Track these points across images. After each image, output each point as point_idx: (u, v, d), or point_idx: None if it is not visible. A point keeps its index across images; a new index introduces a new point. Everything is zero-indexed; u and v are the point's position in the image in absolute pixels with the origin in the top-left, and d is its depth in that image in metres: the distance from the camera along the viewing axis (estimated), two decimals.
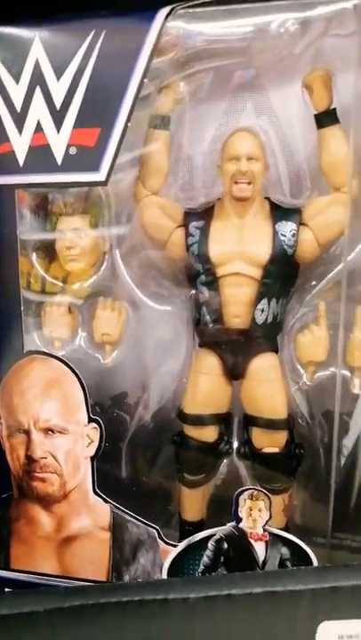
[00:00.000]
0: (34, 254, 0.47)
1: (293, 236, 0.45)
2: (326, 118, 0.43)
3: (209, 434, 0.49)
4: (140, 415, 0.51)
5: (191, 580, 0.44)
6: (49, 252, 0.48)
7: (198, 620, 0.39)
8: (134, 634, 0.39)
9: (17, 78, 0.42)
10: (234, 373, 0.48)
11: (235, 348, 0.47)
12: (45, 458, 0.47)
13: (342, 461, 0.49)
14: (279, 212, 0.46)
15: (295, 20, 0.40)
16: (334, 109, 0.43)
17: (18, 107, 0.42)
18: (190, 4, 0.41)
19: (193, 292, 0.47)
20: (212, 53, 0.43)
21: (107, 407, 0.50)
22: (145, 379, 0.51)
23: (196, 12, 0.41)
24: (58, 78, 0.41)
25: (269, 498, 0.46)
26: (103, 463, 0.48)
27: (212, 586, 0.40)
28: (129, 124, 0.41)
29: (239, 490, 0.46)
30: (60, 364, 0.46)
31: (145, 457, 0.52)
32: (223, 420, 0.50)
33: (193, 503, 0.51)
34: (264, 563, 0.45)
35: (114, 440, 0.49)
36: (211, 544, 0.46)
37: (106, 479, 0.48)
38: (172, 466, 0.51)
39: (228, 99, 0.47)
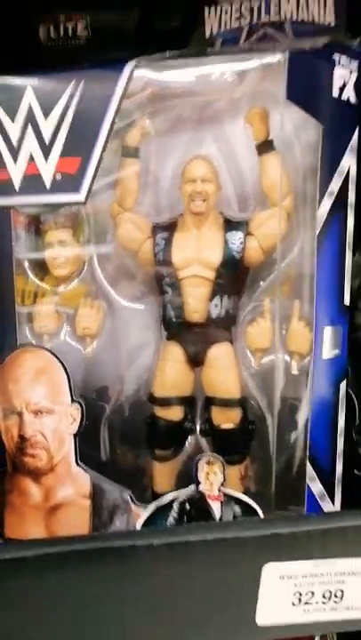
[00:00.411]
0: (27, 267, 0.56)
1: (241, 243, 0.54)
2: (264, 147, 0.53)
3: (175, 413, 0.57)
4: (116, 401, 0.59)
5: (156, 530, 0.52)
6: (41, 267, 0.56)
7: (162, 564, 0.46)
8: (107, 575, 0.46)
9: (12, 117, 0.51)
10: (195, 361, 0.56)
11: (195, 339, 0.56)
12: (35, 436, 0.53)
13: (292, 438, 0.57)
14: (229, 225, 0.55)
15: (233, 71, 0.50)
16: (271, 140, 0.53)
17: (14, 141, 0.51)
18: (152, 57, 0.50)
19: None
20: (169, 96, 0.52)
21: (88, 396, 0.57)
22: (121, 369, 0.59)
23: (157, 64, 0.51)
24: (46, 117, 0.50)
25: (223, 463, 0.53)
26: (85, 443, 0.56)
27: (173, 534, 0.47)
28: (103, 154, 0.50)
29: (198, 456, 0.54)
30: (49, 354, 0.53)
31: (121, 438, 0.59)
32: (187, 401, 0.57)
33: (163, 477, 0.58)
34: (220, 520, 0.53)
35: (94, 423, 0.57)
36: (175, 505, 0.54)
37: (87, 457, 0.56)
38: (145, 444, 0.59)
39: (190, 132, 0.56)
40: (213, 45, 0.61)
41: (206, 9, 0.62)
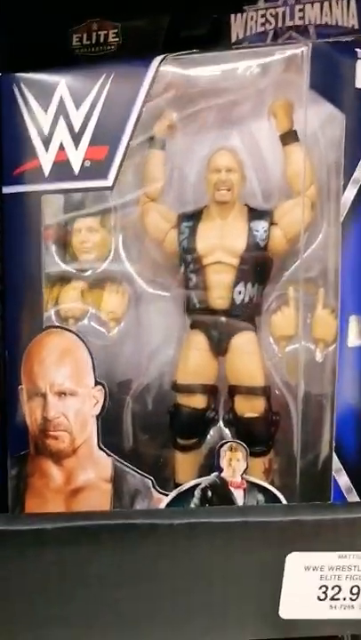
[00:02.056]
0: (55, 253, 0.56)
1: (265, 232, 0.53)
2: (288, 138, 0.52)
3: (198, 401, 0.55)
4: (140, 389, 0.58)
5: (177, 510, 0.49)
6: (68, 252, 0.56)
7: (181, 543, 0.44)
8: (128, 552, 0.44)
9: (45, 109, 0.52)
10: (219, 349, 0.55)
11: (219, 327, 0.54)
12: (58, 417, 0.53)
13: (318, 429, 0.55)
14: (254, 214, 0.54)
15: (257, 65, 0.50)
16: (295, 131, 0.52)
17: (45, 131, 0.52)
18: (178, 53, 0.51)
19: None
20: (196, 95, 0.53)
21: (111, 383, 0.56)
22: (145, 357, 0.58)
23: (183, 60, 0.51)
24: (77, 109, 0.52)
25: (246, 450, 0.51)
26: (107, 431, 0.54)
27: (193, 515, 0.45)
28: (130, 143, 0.51)
29: (221, 442, 0.52)
30: (73, 335, 0.53)
31: (144, 427, 0.58)
32: (210, 391, 0.56)
33: (186, 467, 0.56)
34: None
35: (116, 411, 0.56)
36: (197, 492, 0.52)
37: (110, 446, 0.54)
38: (168, 434, 0.57)
39: (216, 128, 0.56)
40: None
41: (232, 16, 0.63)
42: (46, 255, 0.55)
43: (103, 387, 0.53)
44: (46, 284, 0.54)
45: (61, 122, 0.52)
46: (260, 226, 0.53)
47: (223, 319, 0.54)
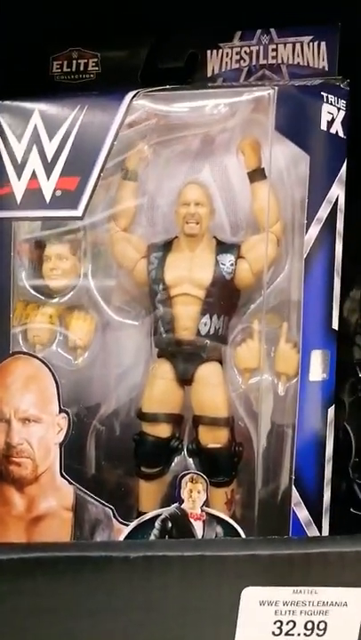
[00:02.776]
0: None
1: (231, 265, 0.54)
2: (256, 175, 0.53)
3: (163, 430, 0.55)
4: (105, 417, 0.58)
5: (133, 543, 0.49)
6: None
7: (137, 577, 0.44)
8: (83, 584, 0.44)
9: (19, 138, 0.52)
10: (185, 379, 0.55)
11: (185, 357, 0.55)
12: (22, 444, 0.52)
13: (278, 462, 0.55)
14: (221, 247, 0.55)
15: (225, 104, 0.52)
16: (262, 169, 0.53)
17: (19, 159, 0.52)
18: (151, 89, 0.52)
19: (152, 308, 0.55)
20: (169, 128, 0.54)
21: (77, 410, 0.56)
22: (111, 385, 0.58)
23: (155, 95, 0.52)
24: (50, 139, 0.52)
25: (207, 482, 0.51)
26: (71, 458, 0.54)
27: (150, 548, 0.45)
28: (101, 175, 0.52)
29: (182, 473, 0.52)
30: (39, 362, 0.53)
31: (108, 455, 0.58)
32: (175, 419, 0.56)
33: (149, 496, 0.56)
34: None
35: (81, 438, 0.56)
36: (157, 523, 0.51)
37: (73, 473, 0.54)
38: (133, 462, 0.57)
39: (188, 161, 0.57)
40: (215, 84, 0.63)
41: (208, 52, 0.64)
42: (18, 272, 0.54)
43: (67, 414, 0.53)
44: (19, 299, 0.54)
45: (34, 150, 0.52)
46: (227, 259, 0.54)
47: (189, 349, 0.55)
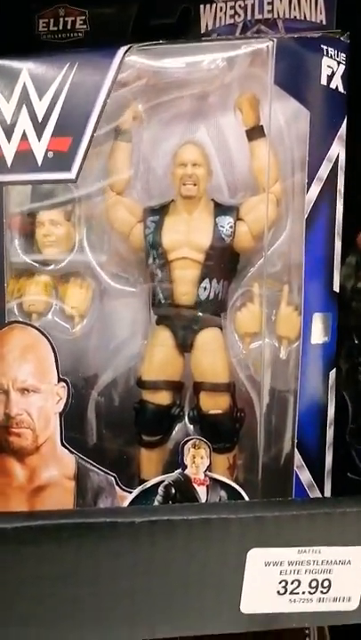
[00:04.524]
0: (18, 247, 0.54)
1: (231, 227, 0.52)
2: (254, 133, 0.51)
3: (163, 397, 0.55)
4: (104, 386, 0.57)
5: (138, 508, 0.49)
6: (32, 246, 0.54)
7: (142, 541, 0.44)
8: (88, 551, 0.44)
9: (8, 98, 0.50)
10: (184, 345, 0.54)
11: (184, 323, 0.54)
12: (21, 415, 0.51)
13: (280, 426, 0.55)
14: (220, 210, 0.53)
15: (223, 58, 0.49)
16: (261, 126, 0.51)
17: (8, 120, 0.50)
18: (144, 44, 0.50)
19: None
20: (163, 86, 0.51)
21: (76, 380, 0.55)
22: (110, 353, 0.57)
23: (149, 51, 0.50)
24: (40, 98, 0.50)
25: (209, 447, 0.51)
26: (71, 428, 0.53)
27: (154, 513, 0.45)
28: (95, 134, 0.49)
29: (184, 439, 0.51)
30: (36, 331, 0.52)
31: (108, 424, 0.57)
32: (176, 387, 0.55)
33: (150, 464, 0.56)
34: None
35: (81, 408, 0.55)
36: (160, 489, 0.51)
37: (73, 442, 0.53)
38: (133, 430, 0.56)
39: (184, 122, 0.55)
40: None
41: (202, 6, 0.61)
42: (10, 245, 0.53)
43: (66, 383, 0.52)
44: (11, 275, 0.52)
45: (24, 111, 0.50)
46: (226, 221, 0.53)
47: (188, 315, 0.53)
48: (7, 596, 0.44)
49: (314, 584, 0.47)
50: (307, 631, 0.64)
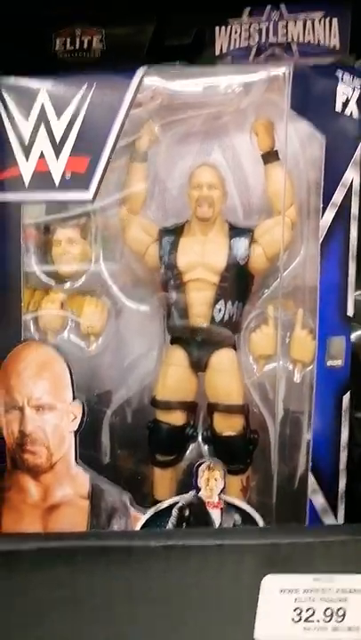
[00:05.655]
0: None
1: (246, 249, 0.52)
2: (270, 157, 0.51)
3: (177, 418, 0.53)
4: (119, 405, 0.56)
5: (153, 532, 0.48)
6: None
7: (157, 566, 0.43)
8: (102, 574, 0.42)
9: (26, 117, 0.49)
10: (199, 366, 0.53)
11: (199, 344, 0.53)
12: (36, 432, 0.50)
13: (294, 450, 0.53)
14: (235, 231, 0.52)
15: (239, 83, 0.49)
16: (276, 150, 0.50)
17: (26, 139, 0.49)
18: (162, 65, 0.49)
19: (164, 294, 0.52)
20: (178, 107, 0.51)
21: (90, 398, 0.54)
22: (124, 372, 0.56)
23: (166, 73, 0.49)
24: (58, 118, 0.49)
25: (224, 469, 0.50)
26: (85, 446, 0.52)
27: (169, 537, 0.43)
28: (112, 156, 0.49)
29: (198, 462, 0.50)
30: (52, 349, 0.51)
31: (122, 443, 0.56)
32: (189, 407, 0.54)
33: (164, 484, 0.54)
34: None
35: (95, 427, 0.54)
36: (174, 511, 0.50)
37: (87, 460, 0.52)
38: (147, 450, 0.55)
39: (198, 142, 0.54)
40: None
41: (217, 28, 0.61)
42: (26, 256, 0.52)
43: (81, 402, 0.51)
44: (26, 285, 0.51)
45: (42, 130, 0.49)
46: (241, 243, 0.52)
47: (203, 336, 0.52)
48: (21, 619, 0.43)
49: (328, 612, 0.46)
50: None
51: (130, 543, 0.42)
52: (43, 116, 0.49)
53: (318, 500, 0.50)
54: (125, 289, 0.54)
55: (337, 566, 0.44)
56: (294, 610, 0.45)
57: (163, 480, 0.54)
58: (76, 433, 0.51)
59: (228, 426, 0.52)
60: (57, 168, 0.49)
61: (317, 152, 0.49)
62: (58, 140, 0.49)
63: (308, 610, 0.45)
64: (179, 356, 0.53)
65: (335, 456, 0.50)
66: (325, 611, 0.45)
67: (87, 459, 0.51)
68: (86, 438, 0.52)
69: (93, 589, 0.43)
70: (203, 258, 0.52)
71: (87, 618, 0.44)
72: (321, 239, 0.49)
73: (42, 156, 0.49)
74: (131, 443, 0.55)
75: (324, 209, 0.48)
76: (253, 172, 0.52)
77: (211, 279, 0.51)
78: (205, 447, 0.54)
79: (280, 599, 0.44)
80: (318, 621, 0.45)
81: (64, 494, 0.51)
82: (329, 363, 0.50)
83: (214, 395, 0.53)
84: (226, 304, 0.51)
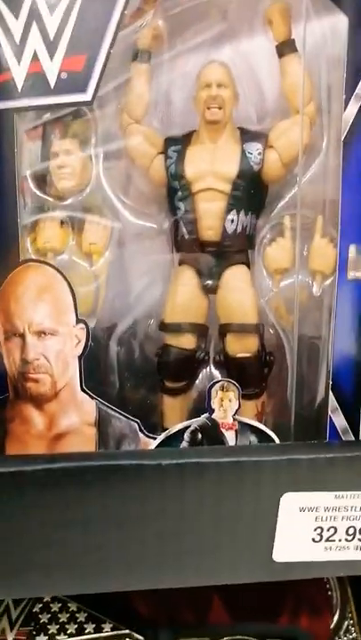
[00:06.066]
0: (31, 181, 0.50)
1: (259, 154, 0.47)
2: (286, 48, 0.46)
3: (187, 341, 0.50)
4: (126, 331, 0.53)
5: (165, 451, 0.45)
6: (45, 180, 0.50)
7: (170, 485, 0.40)
8: (113, 494, 0.40)
9: (16, 15, 0.45)
10: (209, 286, 0.50)
11: (209, 261, 0.49)
12: (38, 359, 0.48)
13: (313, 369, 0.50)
14: (247, 136, 0.48)
15: None
16: (293, 40, 0.46)
17: (17, 39, 0.45)
18: None
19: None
20: None
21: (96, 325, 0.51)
22: (131, 296, 0.53)
23: None
24: (51, 13, 0.44)
25: (238, 389, 0.47)
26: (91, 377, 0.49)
27: (182, 455, 0.41)
28: (111, 51, 0.44)
29: (211, 382, 0.47)
30: (52, 270, 0.47)
31: (131, 372, 0.53)
32: (200, 330, 0.51)
33: (174, 412, 0.52)
34: None
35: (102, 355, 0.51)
36: (186, 435, 0.47)
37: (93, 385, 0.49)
38: (156, 377, 0.52)
39: (206, 40, 0.49)
40: None
41: None
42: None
43: (85, 325, 0.48)
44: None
45: (34, 28, 0.45)
46: (255, 148, 0.47)
47: (214, 252, 0.49)
48: (29, 541, 0.41)
49: (351, 531, 0.43)
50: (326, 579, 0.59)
51: (141, 462, 0.40)
52: (35, 13, 0.45)
53: (339, 419, 0.47)
54: (130, 205, 0.50)
55: (360, 482, 0.42)
56: (315, 529, 0.42)
57: (173, 409, 0.52)
58: (80, 358, 0.48)
59: (242, 347, 0.49)
60: (52, 69, 0.45)
61: (340, 43, 0.44)
62: (52, 37, 0.45)
63: (329, 529, 0.42)
64: (188, 275, 0.50)
65: (357, 373, 0.47)
66: (348, 529, 0.42)
67: (93, 388, 0.49)
68: (92, 366, 0.49)
69: (104, 510, 0.41)
70: (212, 166, 0.48)
71: (98, 539, 0.42)
72: (343, 136, 0.44)
73: (35, 57, 0.45)
74: (139, 370, 0.52)
75: (347, 102, 0.44)
76: (267, 70, 0.48)
77: (222, 188, 0.47)
78: (217, 372, 0.51)
79: (300, 518, 0.42)
80: (340, 540, 0.43)
81: (70, 423, 0.49)
82: (351, 274, 0.46)
83: (227, 315, 0.50)
84: (238, 214, 0.47)
